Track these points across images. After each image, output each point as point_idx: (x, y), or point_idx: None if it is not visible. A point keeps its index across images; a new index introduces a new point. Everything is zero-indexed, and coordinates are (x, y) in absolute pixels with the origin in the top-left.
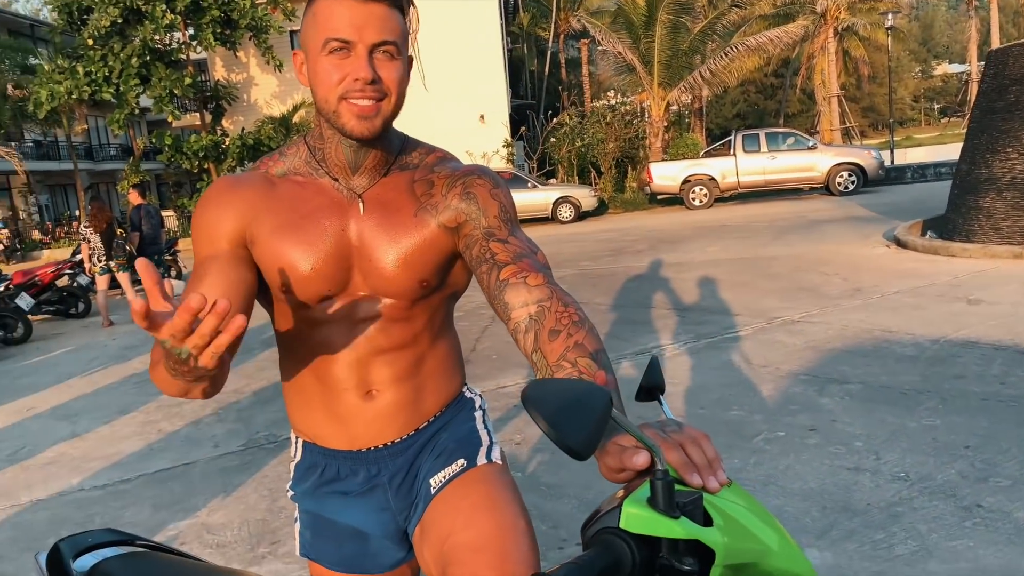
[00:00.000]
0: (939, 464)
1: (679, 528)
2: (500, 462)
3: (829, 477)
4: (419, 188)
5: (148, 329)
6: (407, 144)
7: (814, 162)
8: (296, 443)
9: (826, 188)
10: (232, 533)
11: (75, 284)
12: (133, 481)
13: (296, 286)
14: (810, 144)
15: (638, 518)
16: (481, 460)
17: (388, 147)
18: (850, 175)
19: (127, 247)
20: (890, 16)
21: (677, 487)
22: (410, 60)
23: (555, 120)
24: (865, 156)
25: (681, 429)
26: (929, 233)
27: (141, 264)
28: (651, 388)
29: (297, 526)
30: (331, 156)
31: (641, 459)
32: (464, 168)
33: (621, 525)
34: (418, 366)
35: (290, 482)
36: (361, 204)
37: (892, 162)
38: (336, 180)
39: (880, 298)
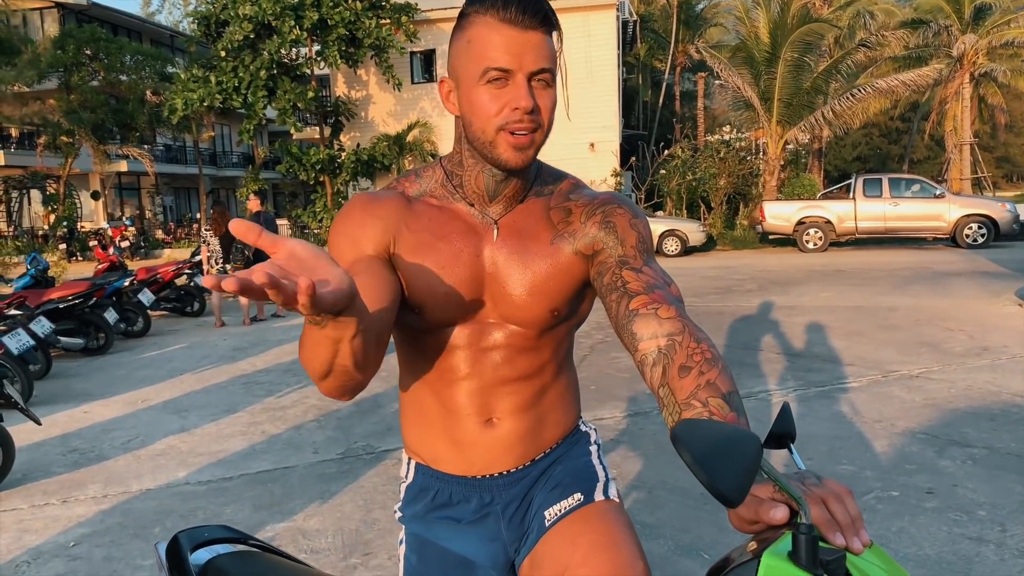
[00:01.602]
0: None
1: None
2: (617, 499)
3: (948, 545)
4: (556, 215)
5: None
6: (541, 170)
7: (941, 211)
8: (408, 464)
9: (952, 240)
10: (326, 540)
11: (192, 284)
12: (235, 479)
13: (428, 307)
14: (937, 192)
15: (779, 572)
16: (599, 496)
17: (528, 175)
18: (980, 227)
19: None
20: None
21: (819, 544)
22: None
23: (667, 152)
24: (997, 208)
25: (822, 483)
26: None
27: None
28: (781, 435)
29: (403, 548)
30: (470, 183)
31: (780, 514)
32: (603, 196)
33: None
34: (540, 397)
35: (399, 503)
36: (496, 230)
37: None
38: (472, 206)
39: (1010, 359)
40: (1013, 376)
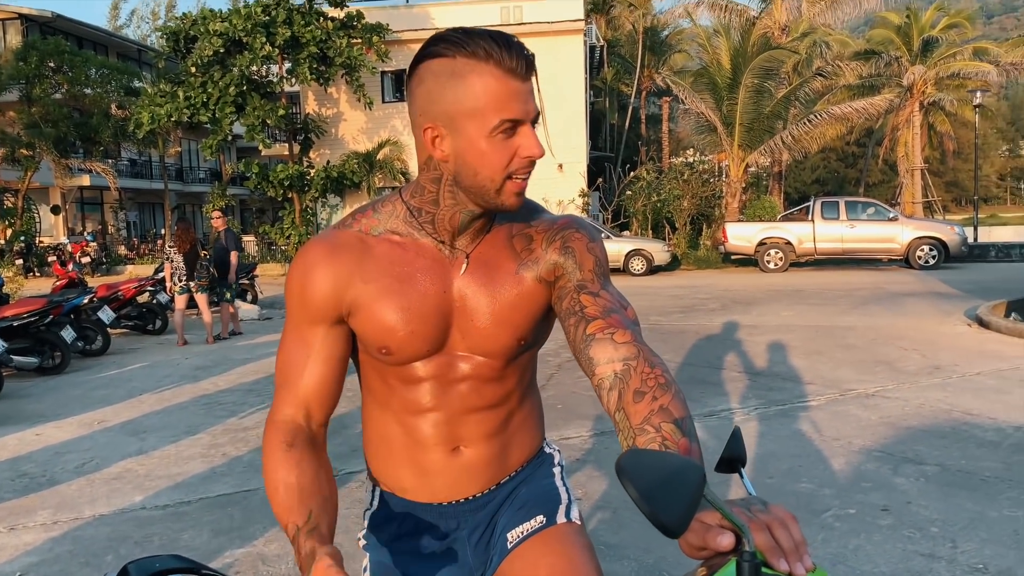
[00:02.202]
0: (1021, 558)
1: None
2: (579, 522)
3: (902, 562)
4: (519, 243)
5: None
6: None
7: (894, 234)
8: (374, 492)
9: (905, 261)
10: (287, 566)
11: (155, 301)
12: (194, 504)
13: (396, 349)
14: (891, 215)
15: None
16: (561, 518)
17: None
18: (931, 249)
19: (210, 269)
20: (979, 94)
21: (764, 569)
22: None
23: (632, 174)
24: (947, 231)
25: (767, 509)
26: (1014, 315)
27: None
28: (732, 460)
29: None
30: (443, 221)
31: (725, 541)
32: (561, 221)
33: None
34: (506, 423)
35: (363, 530)
36: (465, 264)
37: (976, 239)
38: (441, 242)
39: (960, 378)
40: (963, 394)
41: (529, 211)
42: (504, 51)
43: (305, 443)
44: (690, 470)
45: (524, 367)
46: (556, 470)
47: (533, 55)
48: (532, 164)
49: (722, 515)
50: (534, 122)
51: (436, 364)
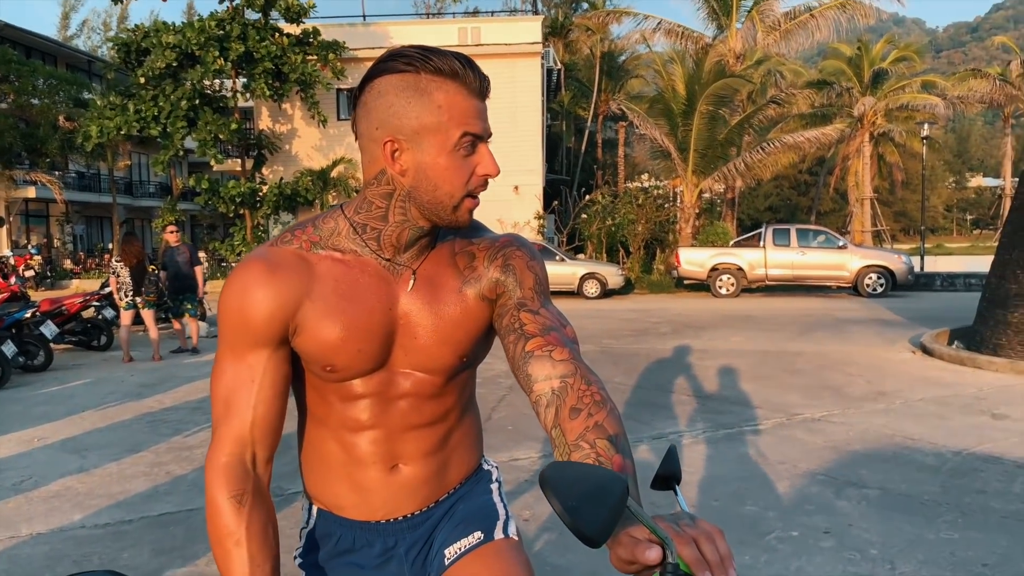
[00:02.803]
0: None
1: None
2: (516, 538)
3: None
4: (461, 261)
5: None
6: None
7: (843, 261)
8: (310, 510)
9: (854, 288)
10: None
11: (100, 316)
12: (135, 522)
13: (341, 367)
14: (840, 244)
15: None
16: (498, 534)
17: None
18: (879, 278)
19: (159, 284)
20: (926, 126)
21: None
22: None
23: (588, 197)
24: (895, 260)
25: (695, 523)
26: (956, 343)
27: None
28: (667, 477)
29: None
30: (389, 237)
31: (653, 554)
32: (503, 239)
33: None
34: (446, 440)
35: (299, 549)
36: (412, 280)
37: (922, 268)
38: (385, 259)
39: (903, 404)
40: (905, 419)
41: (472, 229)
42: (468, 70)
43: (254, 496)
44: (612, 481)
45: (463, 384)
46: (494, 486)
47: (488, 79)
48: (487, 183)
49: (646, 527)
50: (488, 140)
51: (377, 381)
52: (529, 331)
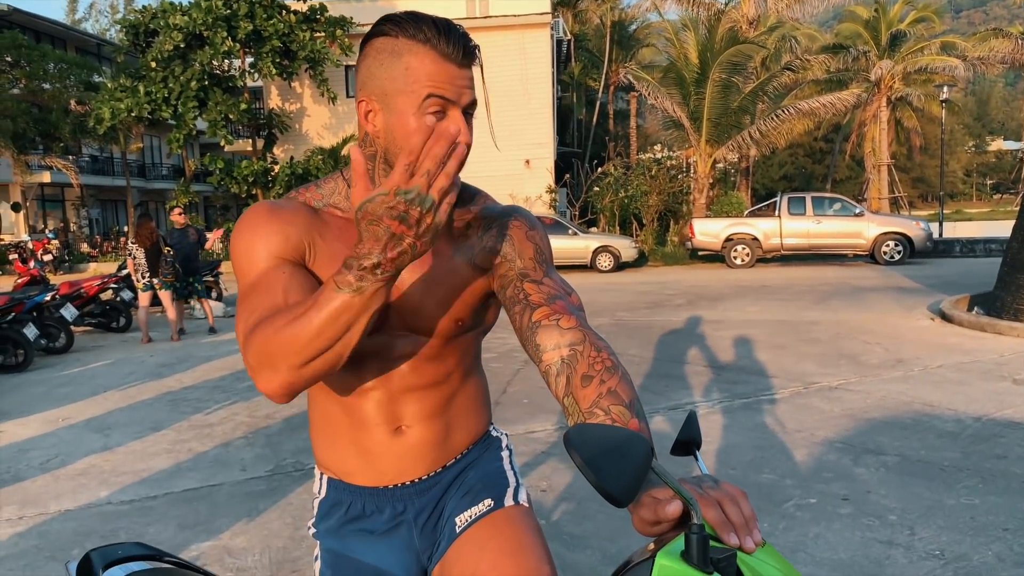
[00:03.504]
0: (976, 544)
1: None
2: (527, 504)
3: (860, 549)
4: (456, 229)
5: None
6: None
7: (860, 229)
8: (321, 479)
9: (871, 256)
10: (253, 558)
11: (118, 298)
12: (160, 498)
13: None
14: (857, 211)
15: (671, 571)
16: (508, 502)
17: None
18: (896, 245)
19: (175, 265)
20: (945, 89)
21: (712, 543)
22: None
23: (600, 170)
24: (913, 227)
25: (718, 486)
26: (976, 309)
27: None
28: (687, 442)
29: (318, 565)
30: None
31: (674, 508)
32: (500, 209)
33: None
34: (448, 403)
35: (312, 519)
36: None
37: (940, 235)
38: None
39: (922, 371)
40: (924, 386)
41: (470, 196)
42: (443, 36)
43: None
44: (637, 443)
45: (465, 348)
46: (504, 454)
47: (476, 45)
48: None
49: (671, 489)
50: (468, 110)
51: (376, 342)
52: (534, 301)
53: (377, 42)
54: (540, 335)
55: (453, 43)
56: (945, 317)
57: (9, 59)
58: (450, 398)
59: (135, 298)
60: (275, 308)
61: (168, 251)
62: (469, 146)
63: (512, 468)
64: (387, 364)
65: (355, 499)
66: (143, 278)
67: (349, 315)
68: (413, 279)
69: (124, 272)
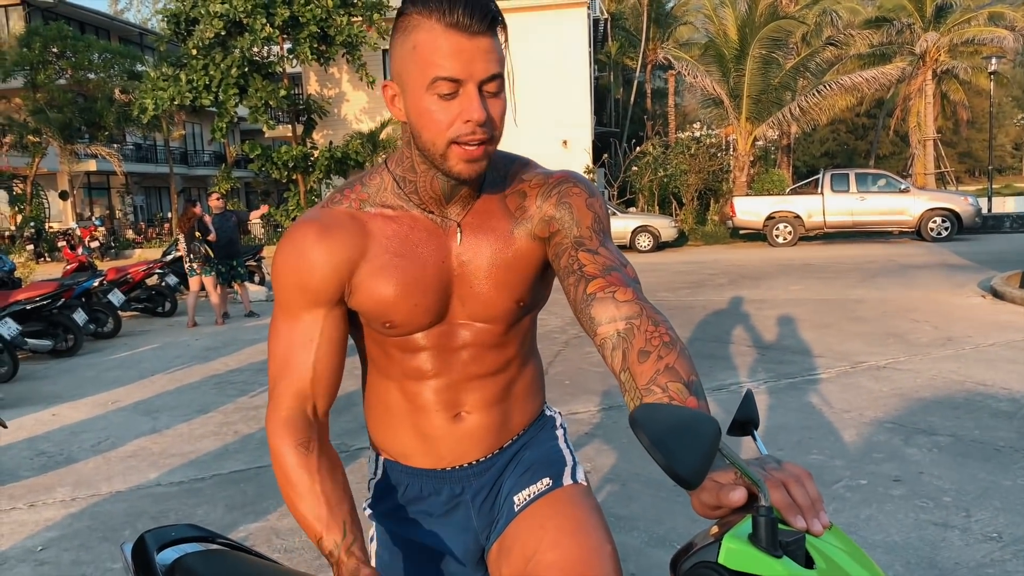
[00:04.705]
0: None
1: (780, 568)
2: (584, 483)
3: (914, 531)
4: (512, 202)
5: None
6: (492, 160)
7: (906, 206)
8: (377, 461)
9: (917, 233)
10: (300, 539)
11: (164, 284)
12: (208, 480)
13: (400, 323)
14: (902, 187)
15: (739, 554)
16: (567, 480)
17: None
18: (944, 221)
19: (203, 248)
20: (994, 61)
21: (779, 526)
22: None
23: (638, 149)
24: (961, 202)
25: (782, 467)
26: None
27: None
28: (745, 422)
29: (373, 546)
30: (425, 188)
31: (738, 495)
32: (557, 175)
33: (720, 560)
34: (508, 389)
35: (368, 500)
36: (459, 234)
37: (990, 210)
38: (430, 212)
39: (974, 349)
40: (976, 365)
41: (522, 166)
42: (450, 4)
43: (319, 443)
44: (705, 423)
45: (524, 332)
46: (559, 432)
47: (495, 10)
48: (484, 132)
49: (738, 470)
50: (486, 83)
51: (437, 333)
52: (589, 272)
53: (397, 21)
54: (595, 308)
55: (462, 10)
56: (996, 294)
57: (55, 50)
58: (510, 384)
59: (180, 283)
60: (301, 385)
61: (199, 236)
62: (486, 124)
63: (568, 446)
64: (449, 354)
65: (412, 481)
66: (190, 263)
67: (311, 535)
68: (476, 268)
69: (169, 257)
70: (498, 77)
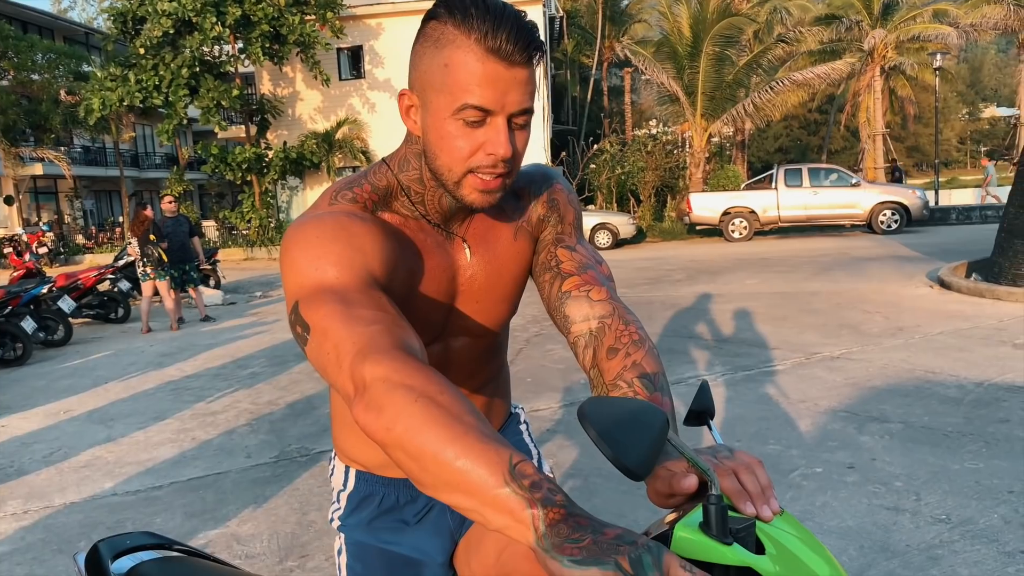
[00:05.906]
0: (982, 508)
1: (731, 554)
2: (551, 475)
3: (867, 516)
4: (508, 206)
5: None
6: None
7: (857, 199)
8: (347, 473)
9: (868, 226)
10: (261, 544)
11: (116, 289)
12: (165, 488)
13: None
14: (853, 181)
15: (690, 542)
16: None
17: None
18: (893, 214)
19: (155, 252)
20: (938, 57)
21: (730, 514)
22: None
23: (596, 147)
24: (909, 195)
25: (733, 455)
26: (974, 275)
27: None
28: (700, 412)
29: (343, 558)
30: (432, 203)
31: (691, 482)
32: (540, 173)
33: (671, 549)
34: (490, 395)
35: (339, 512)
36: (467, 249)
37: (937, 202)
38: (437, 225)
39: (922, 338)
40: (925, 354)
41: None
42: (494, 26)
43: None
44: (652, 414)
45: (505, 338)
46: (523, 427)
47: (537, 41)
48: (505, 164)
49: (687, 460)
50: (516, 116)
51: (433, 351)
52: (566, 270)
53: (428, 26)
54: (570, 306)
55: (506, 36)
56: (944, 284)
57: None
58: (492, 391)
59: (133, 288)
60: (403, 336)
61: (153, 239)
62: (510, 159)
63: (531, 441)
64: (438, 366)
65: (388, 491)
66: (141, 267)
67: (490, 513)
68: (485, 283)
69: (121, 262)
70: (527, 112)
